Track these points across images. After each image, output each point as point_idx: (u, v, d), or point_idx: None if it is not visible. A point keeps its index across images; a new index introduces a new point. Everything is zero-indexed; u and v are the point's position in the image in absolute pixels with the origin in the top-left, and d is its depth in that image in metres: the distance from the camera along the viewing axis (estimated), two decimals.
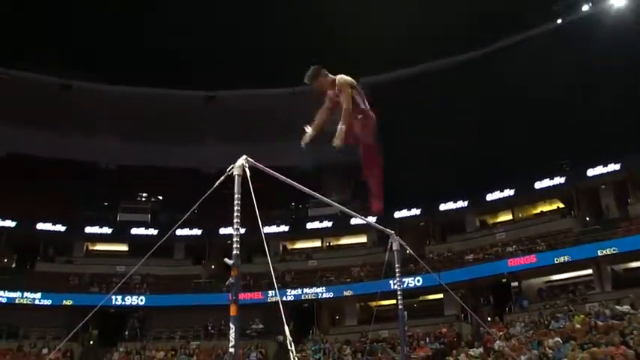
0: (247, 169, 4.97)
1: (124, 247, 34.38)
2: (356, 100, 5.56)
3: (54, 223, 32.21)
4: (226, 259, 4.78)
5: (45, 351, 24.84)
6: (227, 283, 4.75)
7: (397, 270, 8.19)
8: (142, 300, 29.14)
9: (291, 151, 35.78)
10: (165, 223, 31.97)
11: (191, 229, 32.14)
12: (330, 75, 5.63)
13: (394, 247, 8.25)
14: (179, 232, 30.75)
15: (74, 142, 35.38)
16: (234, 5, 32.16)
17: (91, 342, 28.77)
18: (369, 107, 5.68)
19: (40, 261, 32.15)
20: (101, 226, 33.35)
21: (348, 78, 5.63)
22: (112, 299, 26.89)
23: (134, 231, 32.97)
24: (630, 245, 22.62)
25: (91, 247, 34.57)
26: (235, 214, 4.85)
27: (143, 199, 36.97)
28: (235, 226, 4.83)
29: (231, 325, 4.56)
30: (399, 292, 8.11)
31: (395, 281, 8.31)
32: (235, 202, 4.86)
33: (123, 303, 28.72)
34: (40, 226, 31.89)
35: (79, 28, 32.19)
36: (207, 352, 25.88)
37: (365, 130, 5.54)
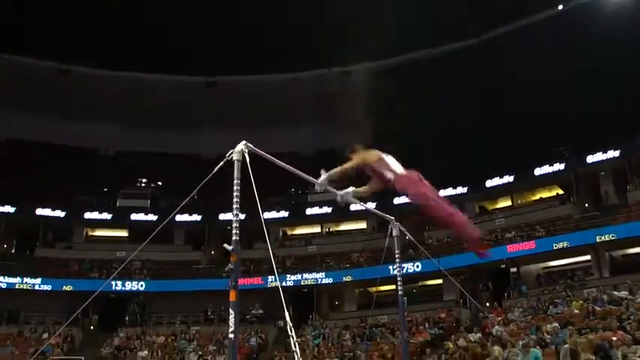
0: (247, 155, 4.96)
1: (123, 233, 34.47)
2: (377, 170, 5.81)
3: (53, 209, 32.21)
4: (226, 245, 4.78)
5: (45, 336, 24.96)
6: (227, 268, 4.75)
7: (397, 256, 8.20)
8: (142, 285, 29.23)
9: (291, 137, 36.07)
10: (164, 209, 31.98)
11: (191, 214, 32.19)
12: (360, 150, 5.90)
13: (394, 233, 8.26)
14: (179, 217, 30.80)
15: (74, 127, 35.34)
16: None
17: (92, 327, 28.90)
18: (401, 171, 5.79)
19: (39, 246, 32.21)
20: (101, 212, 33.38)
21: (366, 155, 5.90)
22: (112, 284, 26.98)
23: (134, 217, 32.99)
24: (629, 231, 22.70)
25: (90, 233, 34.63)
26: (235, 199, 4.84)
27: (143, 184, 36.94)
28: (235, 212, 4.83)
29: (231, 311, 4.57)
30: (398, 278, 8.13)
31: (395, 267, 8.33)
32: (235, 187, 4.85)
33: (123, 288, 28.81)
34: (40, 211, 31.90)
35: (78, 12, 31.97)
36: (207, 337, 26.01)
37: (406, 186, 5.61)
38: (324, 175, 5.73)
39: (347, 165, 5.81)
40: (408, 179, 5.67)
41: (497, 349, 15.61)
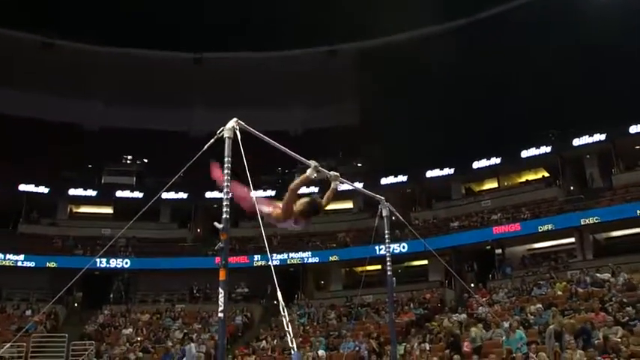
0: (238, 132, 4.87)
1: (108, 210, 34.21)
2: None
3: (37, 185, 31.84)
4: (216, 223, 4.71)
5: (29, 313, 24.79)
6: (216, 247, 4.68)
7: (387, 236, 8.18)
8: (127, 263, 29.09)
9: (279, 116, 35.79)
10: (150, 186, 31.77)
11: (177, 192, 31.99)
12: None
13: (384, 214, 8.23)
14: (165, 195, 30.48)
15: (58, 102, 34.76)
16: None
17: (76, 304, 28.76)
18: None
19: (23, 223, 31.86)
20: (85, 189, 33.02)
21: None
22: (96, 262, 26.80)
23: (119, 194, 32.73)
24: (612, 215, 22.95)
25: (75, 210, 34.33)
26: (225, 177, 4.76)
27: (128, 161, 36.58)
28: (225, 190, 4.75)
29: (221, 290, 4.51)
30: (388, 258, 8.12)
31: (383, 247, 8.32)
32: (225, 165, 4.77)
33: (108, 266, 28.63)
34: (23, 187, 31.51)
35: None
36: (192, 315, 26.01)
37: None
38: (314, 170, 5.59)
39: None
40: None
41: (474, 330, 15.80)
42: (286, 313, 4.37)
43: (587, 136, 26.90)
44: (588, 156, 27.93)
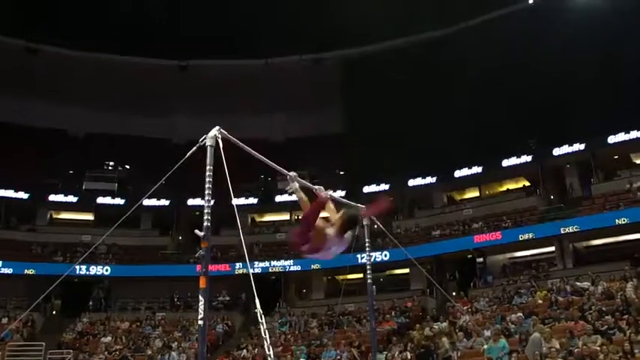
0: (220, 141, 4.87)
1: (89, 217, 33.85)
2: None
3: (16, 190, 31.42)
4: (197, 231, 4.70)
5: (5, 320, 24.38)
6: (197, 254, 4.66)
7: (367, 244, 8.21)
8: (107, 270, 28.76)
9: (262, 124, 35.75)
10: (132, 193, 31.51)
11: (159, 199, 31.72)
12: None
13: (364, 222, 8.26)
14: (147, 202, 30.30)
15: (39, 108, 34.30)
16: None
17: (54, 312, 28.40)
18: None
19: (1, 229, 31.40)
20: (66, 195, 32.63)
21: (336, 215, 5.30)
22: (75, 269, 26.46)
23: (100, 200, 32.41)
24: (592, 223, 23.24)
25: (55, 216, 33.89)
26: (207, 185, 4.76)
27: (110, 167, 36.27)
28: (207, 198, 4.75)
29: (201, 298, 4.50)
30: (368, 266, 8.14)
31: (364, 255, 8.34)
32: (207, 173, 4.77)
33: (87, 273, 28.27)
34: (2, 192, 31.04)
35: None
36: (172, 324, 25.81)
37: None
38: (296, 184, 5.56)
39: (307, 203, 5.35)
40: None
41: (445, 340, 15.91)
42: (264, 321, 4.37)
43: (567, 145, 27.23)
44: (568, 165, 28.27)
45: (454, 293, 25.25)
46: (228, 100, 34.14)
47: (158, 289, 28.89)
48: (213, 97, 34.44)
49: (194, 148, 4.96)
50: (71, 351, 21.49)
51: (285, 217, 34.66)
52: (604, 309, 15.80)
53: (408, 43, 33.46)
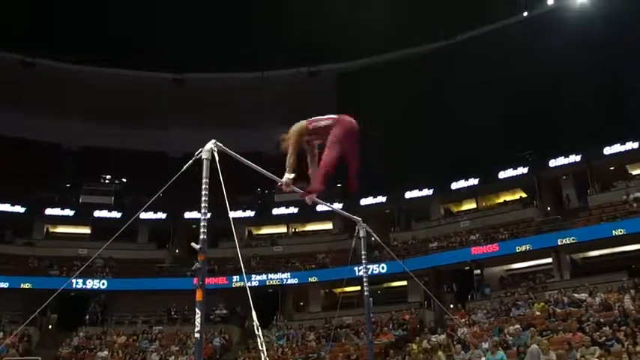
0: (216, 154, 4.89)
1: (86, 230, 33.74)
2: (312, 129, 5.95)
3: (13, 204, 31.36)
4: (193, 244, 4.70)
5: (0, 335, 24.18)
6: (194, 267, 4.67)
7: (364, 257, 8.21)
8: (103, 284, 28.67)
9: (257, 137, 35.80)
10: (129, 206, 31.46)
11: (155, 212, 31.70)
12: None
13: (361, 234, 8.27)
14: (143, 215, 30.23)
15: (36, 122, 34.42)
16: None
17: (50, 326, 28.23)
18: (335, 118, 6.03)
19: None
20: (62, 208, 32.61)
21: (293, 128, 5.95)
22: (72, 282, 26.36)
23: (97, 213, 32.37)
24: (589, 235, 23.19)
25: (51, 229, 33.83)
26: (203, 198, 4.77)
27: (107, 181, 36.27)
28: (203, 211, 4.76)
29: (197, 311, 4.50)
30: (365, 279, 8.14)
31: (361, 268, 8.34)
32: (203, 186, 4.78)
33: (84, 286, 28.17)
34: None
35: (43, 5, 31.22)
36: (169, 337, 25.67)
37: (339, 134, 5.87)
38: (286, 174, 5.69)
39: (290, 150, 5.82)
40: (348, 118, 6.08)
41: (441, 354, 15.87)
42: (261, 334, 4.36)
43: (563, 157, 27.29)
44: (565, 177, 28.30)
45: (452, 305, 25.18)
46: (224, 113, 34.24)
47: (155, 302, 28.75)
48: (208, 109, 34.56)
49: (190, 161, 4.98)
50: None
51: (282, 229, 34.63)
52: (602, 320, 15.79)
53: (405, 56, 33.68)
